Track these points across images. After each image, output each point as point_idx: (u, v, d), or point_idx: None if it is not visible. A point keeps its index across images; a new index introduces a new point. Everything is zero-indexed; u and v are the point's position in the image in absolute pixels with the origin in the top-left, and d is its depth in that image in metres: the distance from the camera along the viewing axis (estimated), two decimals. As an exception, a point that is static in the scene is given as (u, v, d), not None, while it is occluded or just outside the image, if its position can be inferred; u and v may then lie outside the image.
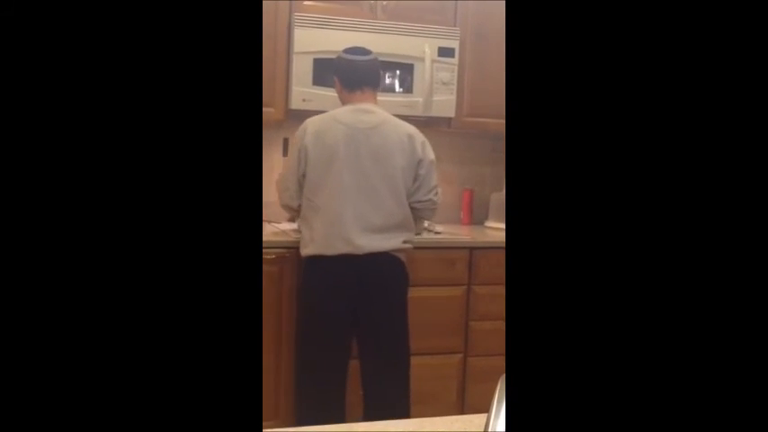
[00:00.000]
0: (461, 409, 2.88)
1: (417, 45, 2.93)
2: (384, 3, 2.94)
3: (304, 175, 2.39)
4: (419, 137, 2.44)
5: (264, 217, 2.89)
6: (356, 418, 2.48)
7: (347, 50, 2.49)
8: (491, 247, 2.90)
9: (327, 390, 2.45)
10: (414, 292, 2.62)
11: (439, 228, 2.99)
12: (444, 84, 2.98)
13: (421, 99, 2.95)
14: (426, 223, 2.95)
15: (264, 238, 2.62)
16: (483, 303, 2.89)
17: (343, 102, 2.48)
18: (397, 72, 2.94)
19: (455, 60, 2.99)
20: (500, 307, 2.87)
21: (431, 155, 2.46)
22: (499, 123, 3.08)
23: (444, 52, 2.97)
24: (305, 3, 2.87)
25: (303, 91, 2.82)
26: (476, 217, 3.42)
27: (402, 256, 2.45)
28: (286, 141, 3.03)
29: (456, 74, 3.00)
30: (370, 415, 2.43)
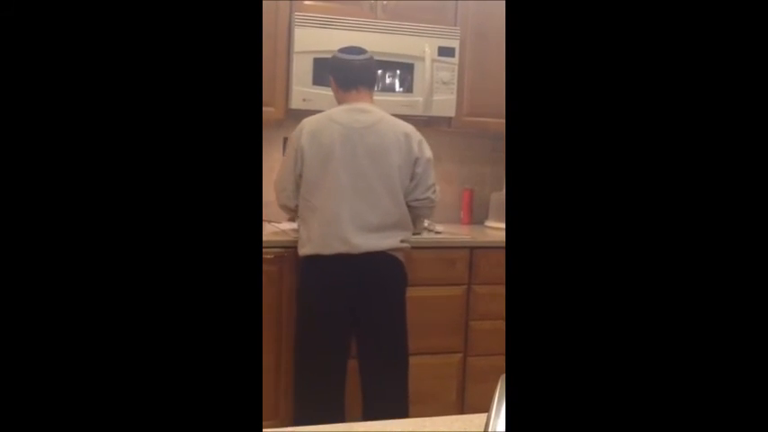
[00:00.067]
0: (461, 409, 2.88)
1: (417, 45, 2.93)
2: (384, 2, 2.94)
3: (301, 176, 2.39)
4: (416, 135, 2.44)
5: (264, 216, 2.89)
6: (355, 418, 2.47)
7: (342, 50, 2.49)
8: (491, 247, 2.90)
9: (326, 389, 2.45)
10: (414, 292, 2.62)
11: (439, 227, 2.99)
12: (444, 83, 2.98)
13: (421, 99, 2.95)
14: (426, 223, 2.95)
15: (264, 238, 2.62)
16: (483, 303, 2.89)
17: (339, 101, 2.49)
18: (398, 72, 2.94)
19: (455, 60, 2.99)
20: (500, 306, 2.87)
21: (428, 153, 2.46)
22: (499, 123, 3.08)
23: (444, 52, 2.97)
24: (305, 2, 2.87)
25: (303, 90, 2.82)
26: (476, 216, 3.42)
27: (400, 256, 2.45)
28: (286, 141, 3.03)
29: (456, 73, 3.00)
30: (369, 414, 2.43)
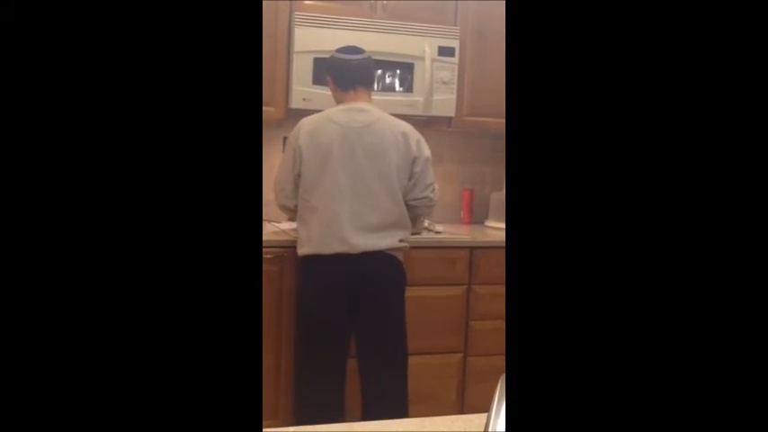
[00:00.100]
0: (461, 409, 2.88)
1: (417, 44, 2.93)
2: (384, 2, 2.94)
3: (299, 176, 2.39)
4: (414, 134, 2.44)
5: (264, 216, 2.89)
6: (355, 418, 2.47)
7: (340, 50, 2.49)
8: (491, 247, 2.90)
9: (326, 389, 2.45)
10: (414, 292, 2.62)
11: (439, 227, 3.00)
12: (444, 83, 2.98)
13: (421, 98, 2.95)
14: (426, 222, 2.95)
15: (264, 238, 2.62)
16: (483, 303, 2.89)
17: (337, 101, 2.49)
18: (398, 71, 2.94)
19: (455, 60, 2.99)
20: (500, 306, 2.87)
21: (426, 152, 2.46)
22: (499, 123, 3.08)
23: (444, 51, 2.97)
24: (305, 2, 2.87)
25: (303, 90, 2.82)
26: (476, 216, 3.42)
27: (399, 255, 2.45)
28: (286, 140, 3.03)
29: (456, 73, 3.00)
30: (369, 414, 2.43)
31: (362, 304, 2.40)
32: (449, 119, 3.08)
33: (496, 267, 2.88)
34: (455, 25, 3.02)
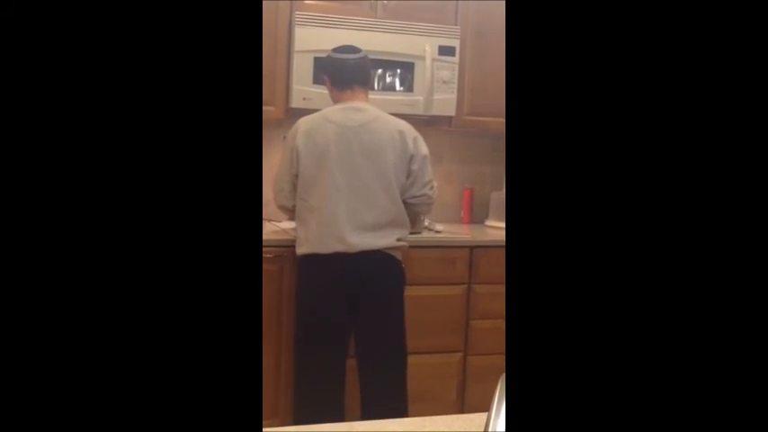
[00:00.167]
0: (461, 408, 2.88)
1: (418, 44, 2.93)
2: (385, 2, 2.94)
3: (297, 176, 2.39)
4: (411, 132, 2.44)
5: (264, 215, 2.89)
6: (355, 417, 2.47)
7: (336, 49, 2.49)
8: (491, 246, 2.90)
9: (325, 388, 2.45)
10: (414, 291, 2.62)
11: (439, 227, 3.00)
12: (445, 82, 2.98)
13: (421, 98, 2.95)
14: (427, 222, 2.95)
15: (264, 237, 2.62)
16: (483, 302, 2.89)
17: (334, 101, 2.49)
18: (398, 71, 2.94)
19: (455, 59, 2.99)
20: (500, 306, 2.88)
21: (423, 149, 2.46)
22: (499, 122, 3.08)
23: (445, 51, 2.97)
24: (305, 2, 2.87)
25: (303, 89, 2.82)
26: (476, 216, 3.42)
27: (398, 254, 2.45)
28: (284, 140, 3.03)
29: (456, 72, 3.00)
30: (368, 413, 2.43)
31: (362, 303, 2.40)
32: (449, 118, 3.08)
33: (496, 267, 2.88)
34: (455, 24, 3.02)
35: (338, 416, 2.44)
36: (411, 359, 2.54)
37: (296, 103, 2.83)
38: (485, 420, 0.77)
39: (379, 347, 2.45)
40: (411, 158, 2.41)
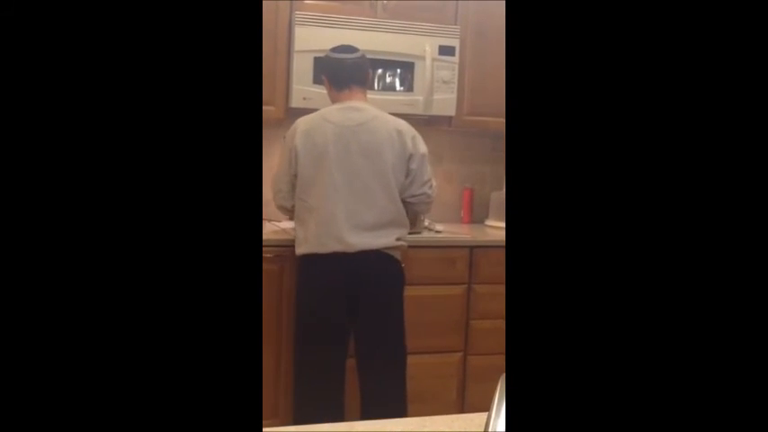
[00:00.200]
0: (461, 408, 2.88)
1: (418, 43, 2.93)
2: (385, 2, 2.94)
3: (296, 176, 2.39)
4: (409, 131, 2.44)
5: (264, 215, 2.89)
6: (355, 417, 2.47)
7: (334, 49, 2.49)
8: (491, 246, 2.90)
9: (325, 388, 2.45)
10: (414, 291, 2.62)
11: (439, 226, 3.00)
12: (445, 82, 2.98)
13: (421, 98, 2.95)
14: (427, 222, 2.95)
15: (264, 237, 2.62)
16: (483, 302, 2.89)
17: (333, 100, 2.49)
18: (398, 71, 2.94)
19: (455, 59, 2.99)
20: (500, 306, 2.87)
21: (422, 148, 2.45)
22: (499, 122, 3.08)
23: (445, 51, 2.97)
24: (305, 1, 2.87)
25: (303, 89, 2.82)
26: (476, 216, 3.42)
27: (397, 254, 2.44)
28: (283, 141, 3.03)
29: (456, 72, 3.00)
30: (368, 413, 2.43)
31: (361, 303, 2.40)
32: (449, 118, 3.08)
33: (496, 266, 2.88)
34: (455, 24, 3.02)
35: (338, 416, 2.44)
36: (411, 359, 2.54)
37: (296, 102, 2.83)
38: (485, 420, 0.77)
39: (378, 347, 2.45)
40: (410, 157, 2.41)
